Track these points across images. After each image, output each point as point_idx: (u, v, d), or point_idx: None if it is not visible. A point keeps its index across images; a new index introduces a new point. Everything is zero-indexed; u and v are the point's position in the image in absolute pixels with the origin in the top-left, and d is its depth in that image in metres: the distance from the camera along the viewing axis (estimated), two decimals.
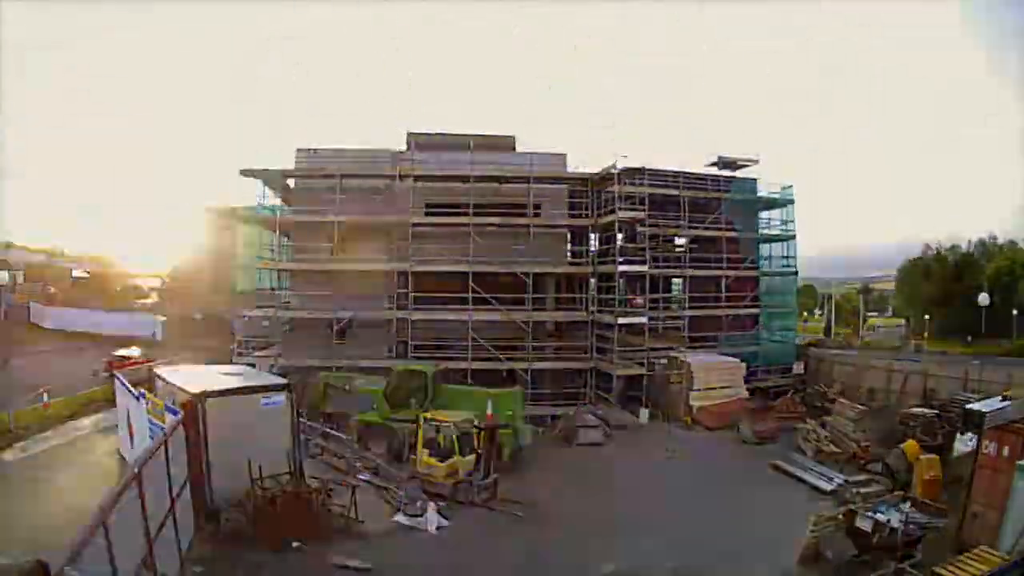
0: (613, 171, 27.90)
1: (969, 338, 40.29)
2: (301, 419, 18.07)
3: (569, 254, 32.02)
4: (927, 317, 46.02)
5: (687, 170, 31.37)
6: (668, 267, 30.81)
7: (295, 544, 13.46)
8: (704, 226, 30.86)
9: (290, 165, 29.62)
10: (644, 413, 26.71)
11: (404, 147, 31.24)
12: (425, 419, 18.55)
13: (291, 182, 30.69)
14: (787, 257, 34.10)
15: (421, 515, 15.52)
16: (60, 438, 22.42)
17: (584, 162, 30.71)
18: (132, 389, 17.88)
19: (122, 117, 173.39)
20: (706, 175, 32.68)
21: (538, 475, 19.75)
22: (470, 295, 27.69)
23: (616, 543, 14.39)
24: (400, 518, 15.63)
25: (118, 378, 20.29)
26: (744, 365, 27.81)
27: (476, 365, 27.42)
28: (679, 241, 33.09)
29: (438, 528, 15.25)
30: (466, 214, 28.30)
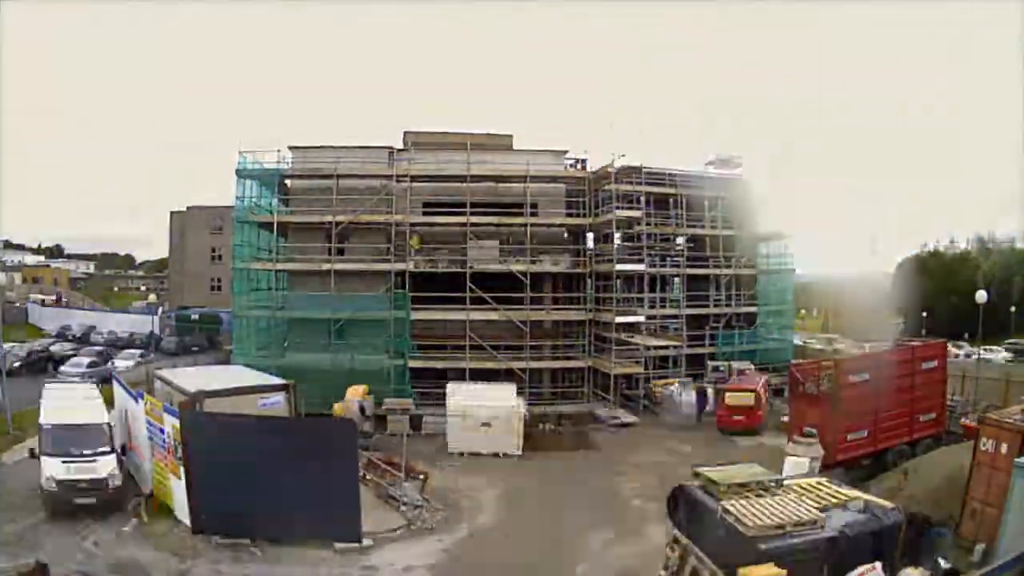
0: (611, 170, 27.91)
1: (967, 335, 40.38)
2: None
3: (567, 253, 32.01)
4: (924, 315, 46.12)
5: (684, 169, 31.41)
6: (666, 266, 30.81)
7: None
8: (701, 224, 30.88)
9: (286, 164, 29.53)
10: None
11: (401, 146, 31.20)
12: None
13: (288, 182, 30.61)
14: (785, 255, 34.12)
15: None
16: None
17: (582, 158, 30.84)
18: (130, 390, 17.83)
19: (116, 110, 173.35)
20: (703, 174, 32.69)
21: None
22: (468, 295, 27.66)
23: None
24: None
25: (116, 379, 20.22)
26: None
27: (474, 364, 27.41)
28: (677, 240, 33.09)
29: None
30: (463, 213, 28.27)
